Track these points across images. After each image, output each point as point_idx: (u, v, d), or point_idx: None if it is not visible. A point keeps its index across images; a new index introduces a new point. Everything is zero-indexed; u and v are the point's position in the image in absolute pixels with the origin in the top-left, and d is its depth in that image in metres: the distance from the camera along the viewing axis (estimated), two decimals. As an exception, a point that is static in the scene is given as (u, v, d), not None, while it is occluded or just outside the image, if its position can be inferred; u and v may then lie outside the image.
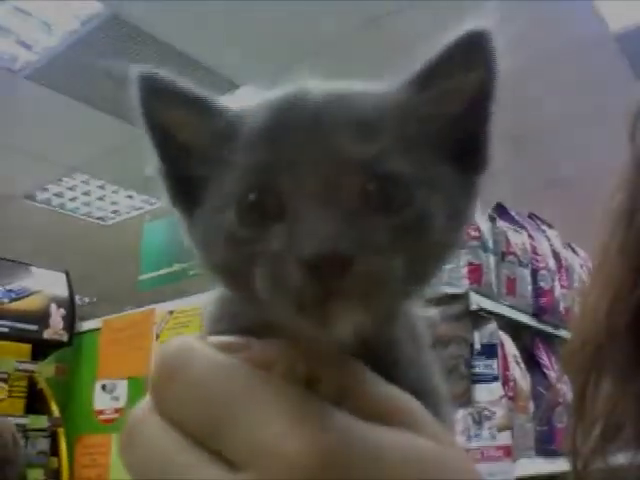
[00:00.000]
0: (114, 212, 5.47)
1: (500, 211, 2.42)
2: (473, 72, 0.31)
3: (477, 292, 1.96)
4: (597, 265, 0.62)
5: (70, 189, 5.00)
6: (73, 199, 5.18)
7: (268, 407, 0.28)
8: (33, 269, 3.30)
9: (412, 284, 0.30)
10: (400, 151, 0.29)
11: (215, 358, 0.30)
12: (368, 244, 0.27)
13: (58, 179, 4.82)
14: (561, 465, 2.11)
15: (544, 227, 2.70)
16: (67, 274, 3.39)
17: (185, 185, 0.33)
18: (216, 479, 0.27)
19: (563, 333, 2.48)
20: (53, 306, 3.24)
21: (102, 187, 4.99)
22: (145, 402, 0.32)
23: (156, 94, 0.33)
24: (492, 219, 2.27)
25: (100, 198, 5.19)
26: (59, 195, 5.10)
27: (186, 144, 0.33)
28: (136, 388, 2.89)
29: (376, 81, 0.33)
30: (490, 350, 1.89)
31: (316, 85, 0.31)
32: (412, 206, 0.29)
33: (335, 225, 0.27)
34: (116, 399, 2.98)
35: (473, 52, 0.31)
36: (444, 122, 0.32)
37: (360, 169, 0.28)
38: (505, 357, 1.96)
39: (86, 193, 5.08)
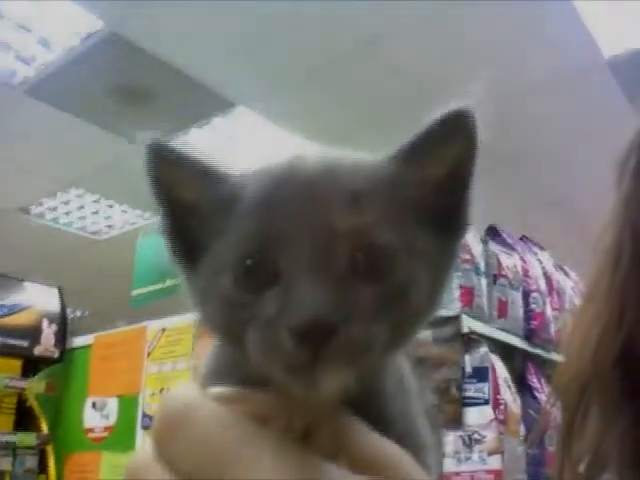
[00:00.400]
0: (108, 227, 5.46)
1: (492, 233, 2.44)
2: (455, 146, 0.34)
3: (469, 315, 1.97)
4: (584, 303, 0.63)
5: (65, 203, 5.00)
6: (67, 213, 5.18)
7: (266, 463, 0.29)
8: (25, 284, 3.29)
9: (394, 346, 0.33)
10: (387, 221, 0.31)
11: (216, 414, 0.32)
12: (353, 312, 0.29)
13: (53, 193, 4.82)
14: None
15: (536, 249, 2.71)
16: (60, 289, 3.37)
17: (186, 244, 0.36)
18: None
19: (554, 356, 2.49)
20: (45, 322, 3.23)
21: (97, 201, 4.99)
22: (147, 448, 0.33)
23: (164, 161, 0.35)
24: (484, 242, 2.28)
25: (94, 212, 5.19)
26: (53, 209, 5.10)
27: (189, 207, 0.35)
28: (126, 406, 2.87)
29: (366, 152, 0.36)
30: (481, 373, 1.90)
31: (312, 155, 0.34)
32: (395, 275, 0.31)
33: (323, 294, 0.29)
34: (106, 417, 2.96)
35: (455, 128, 0.33)
36: (428, 192, 0.34)
37: (350, 240, 0.30)
38: (496, 380, 1.96)
39: (81, 207, 5.08)
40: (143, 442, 0.34)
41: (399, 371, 0.38)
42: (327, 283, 0.29)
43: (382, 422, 0.34)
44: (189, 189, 0.35)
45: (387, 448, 0.33)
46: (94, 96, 3.57)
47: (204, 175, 0.35)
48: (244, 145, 4.13)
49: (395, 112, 3.58)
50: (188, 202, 0.35)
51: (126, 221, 5.36)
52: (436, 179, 0.34)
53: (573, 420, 0.61)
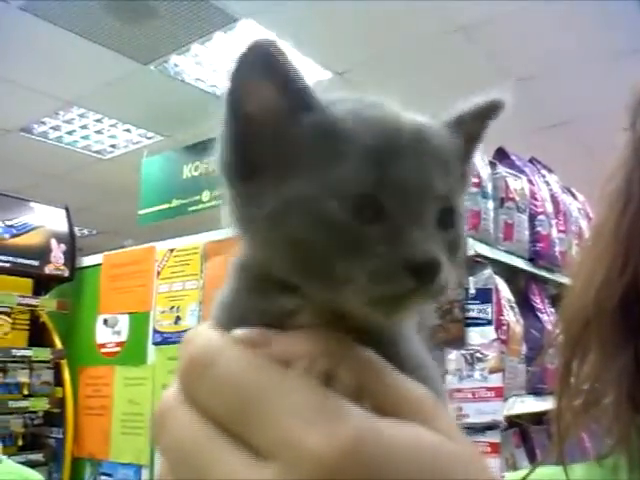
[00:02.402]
0: (112, 146, 5.43)
1: (500, 156, 2.42)
2: (482, 126, 0.41)
3: (475, 238, 1.98)
4: (590, 244, 0.64)
5: (67, 122, 4.95)
6: (70, 132, 5.13)
7: (290, 402, 0.31)
8: (33, 205, 3.30)
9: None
10: (457, 185, 0.37)
11: (241, 356, 0.33)
12: (444, 255, 0.34)
13: (55, 112, 4.76)
14: (551, 403, 2.19)
15: (544, 172, 2.70)
16: (67, 210, 3.39)
17: (247, 158, 0.35)
18: (242, 465, 0.30)
19: (557, 277, 2.52)
20: (53, 241, 3.27)
21: (100, 121, 4.93)
22: (175, 390, 0.35)
23: (263, 62, 0.34)
24: (492, 164, 2.27)
25: (98, 132, 5.14)
26: (56, 128, 5.05)
27: (266, 122, 0.34)
28: (137, 323, 2.95)
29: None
30: (485, 295, 1.93)
31: (404, 114, 0.37)
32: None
33: (428, 238, 0.33)
34: (118, 333, 3.05)
35: (488, 113, 0.40)
36: (463, 155, 0.39)
37: (440, 200, 0.35)
38: (499, 302, 2.00)
39: (84, 127, 5.03)
40: (170, 384, 0.35)
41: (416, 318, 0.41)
42: (427, 230, 0.34)
43: (397, 362, 0.35)
44: (279, 106, 0.34)
45: (412, 389, 0.34)
46: (95, 13, 3.46)
47: (299, 96, 0.34)
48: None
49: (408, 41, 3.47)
50: (268, 117, 0.34)
51: (130, 140, 5.32)
52: (465, 148, 0.39)
53: (573, 354, 0.63)
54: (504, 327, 1.98)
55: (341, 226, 0.33)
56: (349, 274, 0.32)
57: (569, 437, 0.64)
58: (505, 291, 2.08)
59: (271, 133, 0.34)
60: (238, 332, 0.34)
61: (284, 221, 0.34)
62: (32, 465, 2.77)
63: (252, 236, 0.36)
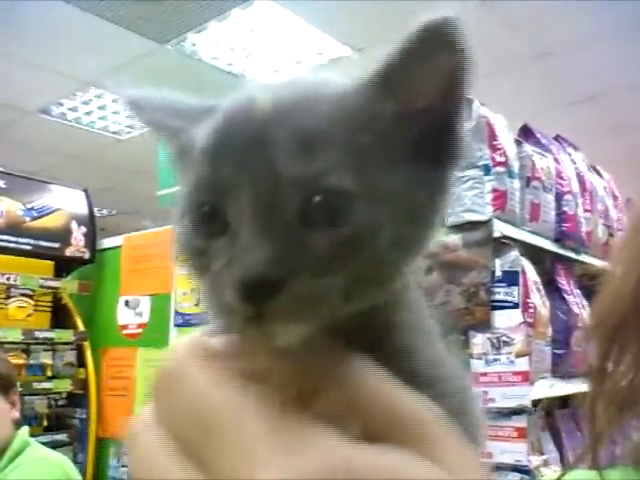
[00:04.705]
0: (129, 127, 5.41)
1: (526, 134, 2.36)
2: (438, 63, 0.29)
3: (500, 219, 1.94)
4: (627, 239, 0.61)
5: (85, 103, 4.94)
6: (88, 113, 5.12)
7: (251, 428, 0.26)
8: (52, 187, 3.31)
9: (363, 294, 0.30)
10: (345, 163, 0.28)
11: (210, 371, 0.29)
12: (300, 264, 0.27)
13: (73, 93, 4.74)
14: (578, 386, 2.16)
15: (570, 149, 2.63)
16: (86, 192, 3.39)
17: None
18: None
19: (584, 257, 2.48)
20: (74, 224, 3.27)
21: (117, 101, 4.91)
22: (148, 409, 0.31)
23: (144, 108, 0.36)
24: (518, 143, 2.21)
25: (115, 112, 5.12)
26: (74, 109, 5.04)
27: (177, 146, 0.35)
28: (159, 304, 2.96)
29: (342, 75, 0.32)
30: (511, 277, 1.90)
31: (265, 90, 0.31)
32: (351, 223, 0.28)
33: (268, 246, 0.27)
34: (139, 315, 3.06)
35: (436, 41, 0.28)
36: (407, 120, 0.30)
37: (298, 187, 0.28)
38: (526, 284, 1.96)
39: (101, 107, 5.01)
40: (145, 402, 0.32)
41: (414, 306, 0.34)
42: (272, 234, 0.27)
43: (393, 356, 0.30)
44: (172, 131, 0.35)
45: (414, 410, 0.28)
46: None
47: (174, 115, 0.35)
48: (267, 39, 3.98)
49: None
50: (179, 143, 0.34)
51: (147, 120, 5.30)
52: (418, 104, 0.30)
53: (608, 354, 0.60)
54: (531, 310, 1.95)
55: (190, 245, 0.31)
56: (206, 294, 0.30)
57: (604, 439, 0.61)
58: (531, 273, 2.04)
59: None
60: (212, 342, 0.31)
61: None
62: (57, 445, 2.81)
63: None
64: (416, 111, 0.30)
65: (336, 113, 0.29)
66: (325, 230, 0.28)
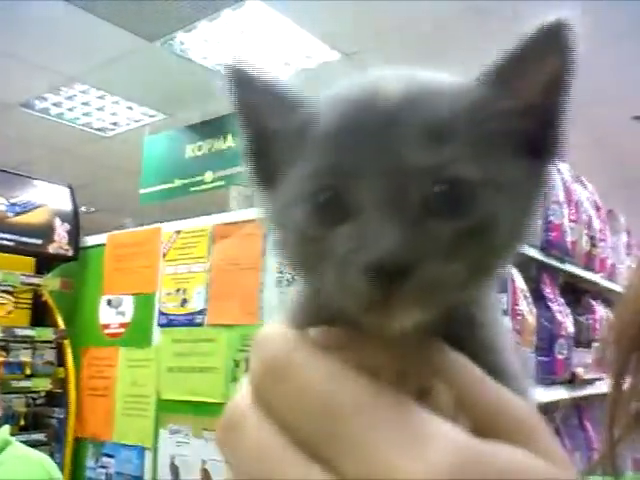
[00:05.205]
0: (114, 123, 5.37)
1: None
2: (549, 65, 0.31)
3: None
4: None
5: (69, 99, 4.89)
6: (72, 109, 5.07)
7: (381, 423, 0.27)
8: (36, 182, 3.26)
9: (476, 282, 0.31)
10: (469, 154, 0.29)
11: (324, 363, 0.29)
12: (427, 251, 0.28)
13: (57, 88, 4.69)
14: (560, 394, 2.18)
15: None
16: (71, 188, 3.35)
17: (267, 168, 0.35)
18: None
19: (568, 267, 2.51)
20: (57, 220, 3.23)
21: (102, 98, 4.87)
22: (246, 393, 0.31)
23: (245, 84, 0.34)
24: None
25: (99, 109, 5.08)
26: (57, 105, 4.98)
27: (270, 132, 0.34)
28: (142, 304, 2.93)
29: (454, 74, 0.33)
30: (501, 284, 1.92)
31: (391, 80, 0.31)
32: (476, 212, 0.29)
33: (394, 233, 0.28)
34: (122, 314, 3.02)
35: (549, 44, 0.30)
36: (518, 116, 0.31)
37: (425, 176, 0.29)
38: (515, 292, 1.98)
39: (85, 103, 4.96)
40: (241, 386, 0.32)
41: (491, 303, 0.36)
42: (400, 221, 0.28)
43: (477, 354, 0.31)
44: (270, 114, 0.34)
45: (514, 405, 0.30)
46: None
47: (283, 100, 0.34)
48: (256, 40, 3.97)
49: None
50: (269, 127, 0.34)
51: (132, 118, 5.26)
52: (528, 102, 0.32)
53: (628, 362, 0.61)
54: (519, 317, 1.97)
55: (306, 233, 0.31)
56: (323, 284, 0.30)
57: (619, 447, 0.62)
58: (519, 281, 2.06)
59: (274, 140, 0.34)
60: (315, 332, 0.31)
61: (277, 235, 0.33)
62: (34, 445, 2.76)
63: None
64: (527, 108, 0.31)
65: (459, 106, 0.30)
66: (451, 218, 0.29)
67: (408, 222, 0.28)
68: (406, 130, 0.29)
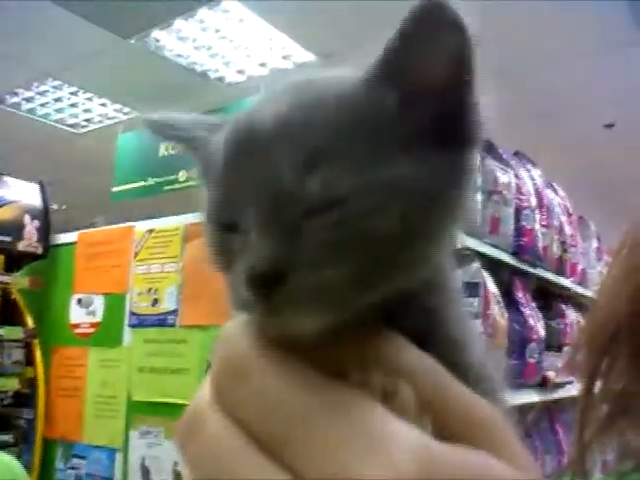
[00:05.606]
0: (86, 120, 5.30)
1: (489, 149, 2.41)
2: (437, 42, 0.29)
3: (462, 231, 1.97)
4: (619, 254, 0.63)
5: (41, 94, 4.81)
6: (44, 104, 4.99)
7: (342, 426, 0.27)
8: (6, 179, 3.20)
9: (383, 282, 0.30)
10: (346, 164, 0.29)
11: (284, 363, 0.29)
12: (301, 258, 0.29)
13: (29, 83, 4.62)
14: (529, 397, 2.20)
15: (529, 166, 2.71)
16: (42, 185, 3.30)
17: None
18: None
19: (540, 271, 2.55)
20: (27, 217, 3.18)
21: (75, 94, 4.80)
22: (206, 394, 0.31)
23: (162, 131, 0.39)
24: (481, 157, 2.26)
25: (72, 105, 5.01)
26: (29, 100, 4.90)
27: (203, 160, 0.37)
28: (113, 304, 2.89)
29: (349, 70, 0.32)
30: (472, 288, 1.93)
31: (272, 102, 0.31)
32: (349, 219, 0.29)
33: (270, 244, 0.29)
34: (92, 314, 2.99)
35: (433, 21, 0.28)
36: (415, 105, 0.30)
37: (297, 198, 0.29)
38: (487, 295, 2.00)
39: (58, 99, 4.89)
40: (202, 386, 0.32)
41: (448, 285, 0.35)
42: (275, 235, 0.29)
43: (432, 342, 0.31)
44: (193, 148, 0.38)
45: (480, 407, 0.29)
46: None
47: (195, 137, 0.37)
48: (231, 39, 3.95)
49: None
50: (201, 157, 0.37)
51: (105, 115, 5.20)
52: (423, 88, 0.30)
53: (598, 365, 0.62)
54: (490, 321, 1.99)
55: (217, 249, 0.33)
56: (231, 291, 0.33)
57: (590, 450, 0.63)
58: (491, 285, 2.09)
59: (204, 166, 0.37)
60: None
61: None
62: (1, 446, 2.71)
63: None
64: (423, 95, 0.30)
65: (340, 114, 0.30)
66: (325, 228, 0.29)
67: (283, 236, 0.29)
68: (279, 157, 0.29)
